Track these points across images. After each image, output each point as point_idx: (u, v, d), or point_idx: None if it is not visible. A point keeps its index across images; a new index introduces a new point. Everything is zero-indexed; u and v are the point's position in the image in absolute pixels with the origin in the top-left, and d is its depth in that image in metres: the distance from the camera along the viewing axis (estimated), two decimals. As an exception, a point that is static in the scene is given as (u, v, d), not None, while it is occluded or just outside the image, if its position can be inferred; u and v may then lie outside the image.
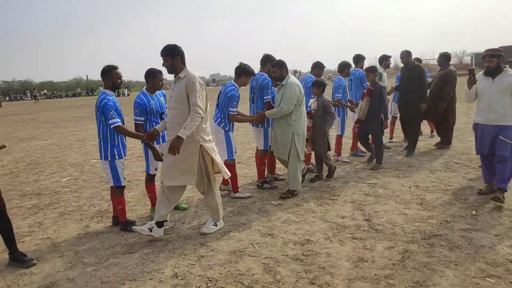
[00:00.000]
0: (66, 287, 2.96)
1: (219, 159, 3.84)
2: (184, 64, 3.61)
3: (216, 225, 3.92)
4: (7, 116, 22.67)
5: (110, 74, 3.89)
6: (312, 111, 5.39)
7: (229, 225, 4.04)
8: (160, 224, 3.72)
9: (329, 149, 5.57)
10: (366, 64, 7.14)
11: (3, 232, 3.38)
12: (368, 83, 6.32)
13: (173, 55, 3.53)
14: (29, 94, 52.17)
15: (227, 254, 3.38)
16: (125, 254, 3.50)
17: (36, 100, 44.90)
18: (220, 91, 4.99)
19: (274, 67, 4.73)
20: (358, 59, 7.17)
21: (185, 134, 3.42)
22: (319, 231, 3.78)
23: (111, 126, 3.80)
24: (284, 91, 4.64)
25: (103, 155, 3.92)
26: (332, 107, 5.41)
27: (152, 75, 4.23)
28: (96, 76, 77.79)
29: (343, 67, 6.55)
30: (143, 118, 4.20)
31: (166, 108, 4.36)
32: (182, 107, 3.52)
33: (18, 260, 3.39)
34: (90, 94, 58.35)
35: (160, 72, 4.28)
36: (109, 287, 2.93)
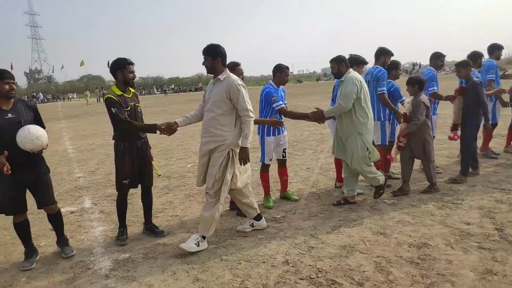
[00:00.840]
0: (193, 259, 3.36)
1: (237, 170, 3.57)
2: (225, 66, 3.52)
3: (198, 245, 3.45)
4: (143, 108, 26.12)
5: (282, 71, 4.45)
6: (408, 113, 4.70)
7: (339, 220, 4.03)
8: (258, 217, 3.87)
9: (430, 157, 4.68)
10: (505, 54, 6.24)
11: (146, 205, 4.00)
12: (493, 75, 5.55)
13: (214, 55, 3.43)
14: (154, 89, 59.48)
15: (337, 248, 3.40)
16: (241, 237, 3.78)
17: (166, 94, 50.63)
18: (334, 85, 4.98)
19: (331, 63, 4.38)
20: (493, 48, 6.31)
21: (248, 143, 3.41)
22: (438, 235, 3.51)
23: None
24: (342, 87, 4.24)
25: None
26: (421, 109, 4.52)
27: (280, 70, 4.53)
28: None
29: (475, 57, 5.86)
30: (280, 103, 4.41)
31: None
32: (219, 111, 3.42)
33: (152, 230, 3.99)
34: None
35: (287, 67, 4.58)
36: (227, 264, 3.23)
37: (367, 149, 4.26)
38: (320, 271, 3.01)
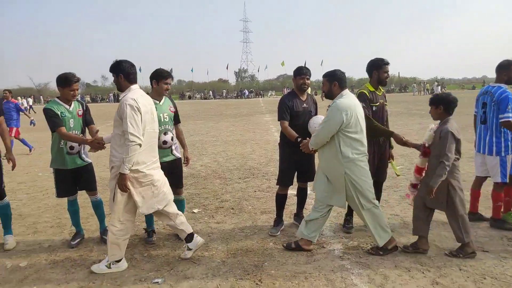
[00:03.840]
0: (425, 261, 3.33)
1: (138, 195, 3.20)
2: (131, 82, 3.24)
3: (110, 267, 3.29)
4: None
5: (508, 68, 4.02)
6: (426, 145, 3.46)
7: None
8: (190, 237, 3.45)
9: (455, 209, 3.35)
10: None
11: None
12: None
13: (116, 72, 3.22)
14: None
15: None
16: (479, 251, 3.48)
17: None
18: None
19: (323, 78, 3.62)
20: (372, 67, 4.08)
21: (126, 168, 3.04)
22: None
23: (501, 120, 3.82)
24: (327, 113, 3.45)
25: (494, 149, 3.95)
26: (448, 143, 3.22)
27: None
28: (407, 74, 79.18)
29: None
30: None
31: None
32: (117, 130, 3.19)
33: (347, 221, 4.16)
34: (402, 90, 59.91)
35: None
36: (468, 275, 3.05)
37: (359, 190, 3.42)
38: None
